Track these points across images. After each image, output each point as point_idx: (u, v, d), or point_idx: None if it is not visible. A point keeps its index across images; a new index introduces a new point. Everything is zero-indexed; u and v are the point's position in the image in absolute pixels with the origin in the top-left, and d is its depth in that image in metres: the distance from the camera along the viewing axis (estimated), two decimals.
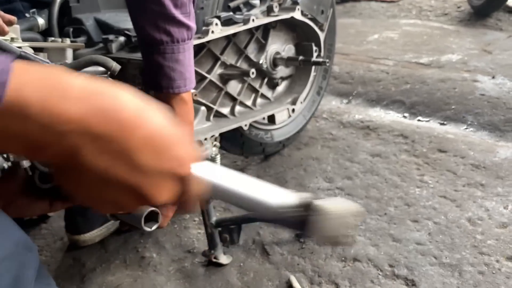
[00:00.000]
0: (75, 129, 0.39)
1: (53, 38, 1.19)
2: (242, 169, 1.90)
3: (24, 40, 1.07)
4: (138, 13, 0.98)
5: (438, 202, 1.55)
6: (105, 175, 0.43)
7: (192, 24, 1.00)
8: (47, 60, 0.93)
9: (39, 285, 1.07)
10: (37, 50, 1.06)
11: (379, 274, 1.27)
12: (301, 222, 0.53)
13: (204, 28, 1.31)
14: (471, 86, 2.47)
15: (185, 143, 0.48)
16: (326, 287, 1.25)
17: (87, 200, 0.47)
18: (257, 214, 0.56)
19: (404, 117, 2.30)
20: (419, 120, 2.25)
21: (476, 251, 1.32)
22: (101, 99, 0.41)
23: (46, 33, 1.28)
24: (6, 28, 1.01)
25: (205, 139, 1.30)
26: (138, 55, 1.08)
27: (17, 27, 1.06)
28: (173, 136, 0.46)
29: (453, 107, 2.29)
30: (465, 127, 2.13)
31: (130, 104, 0.43)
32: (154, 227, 1.01)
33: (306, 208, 0.53)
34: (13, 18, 1.09)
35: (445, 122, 2.19)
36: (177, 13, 0.95)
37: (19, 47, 0.89)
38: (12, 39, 0.98)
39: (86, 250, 1.50)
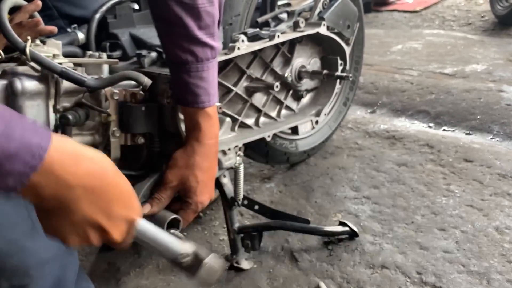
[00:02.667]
0: (80, 184, 0.59)
1: (91, 52, 1.25)
2: (268, 178, 1.95)
3: (64, 54, 1.14)
4: (165, 35, 1.04)
5: (465, 211, 1.56)
6: (89, 219, 0.62)
7: (216, 44, 1.05)
8: (85, 75, 1.00)
9: (79, 287, 1.13)
10: (76, 64, 1.13)
11: (407, 281, 1.29)
12: (193, 268, 0.76)
13: (230, 44, 1.36)
14: (497, 96, 2.47)
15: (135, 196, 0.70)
16: None
17: (60, 233, 0.63)
18: (166, 258, 0.77)
19: (429, 127, 2.32)
20: (444, 130, 2.26)
21: (504, 259, 1.33)
22: (99, 166, 0.63)
23: (84, 47, 1.36)
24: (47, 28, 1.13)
25: (229, 149, 1.34)
26: (168, 70, 1.14)
27: (59, 43, 1.12)
28: (132, 192, 0.69)
29: (478, 117, 2.29)
30: (491, 137, 2.13)
31: (114, 172, 0.65)
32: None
33: (197, 259, 0.76)
34: (53, 28, 1.17)
35: (470, 132, 2.20)
36: (201, 35, 1.01)
37: (60, 63, 0.96)
38: (54, 56, 1.05)
39: (120, 255, 1.56)
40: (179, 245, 0.78)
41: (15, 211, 0.93)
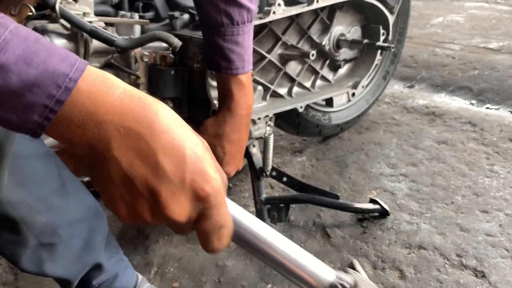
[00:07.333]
0: (111, 120, 0.44)
1: (123, 12, 1.21)
2: (300, 151, 1.89)
3: (96, 13, 1.10)
4: None
5: (509, 194, 1.48)
6: (128, 171, 0.44)
7: (253, 6, 0.99)
8: (115, 34, 0.96)
9: (108, 252, 1.11)
10: (107, 24, 1.09)
11: (446, 263, 1.23)
12: None
13: (266, 8, 1.29)
14: None
15: (214, 165, 0.48)
16: (390, 273, 1.23)
17: (107, 198, 0.47)
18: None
19: (472, 104, 2.20)
20: (487, 107, 2.14)
21: None
22: (138, 102, 0.45)
23: (117, 7, 1.31)
24: None
25: (259, 118, 1.29)
26: (200, 34, 1.09)
27: (91, 1, 1.08)
28: (201, 153, 0.47)
29: None
30: None
31: (164, 113, 0.46)
32: None
33: None
34: None
35: None
36: None
37: (90, 22, 0.92)
38: (85, 14, 1.01)
39: None
40: (325, 270, 0.55)
41: (45, 169, 0.91)
